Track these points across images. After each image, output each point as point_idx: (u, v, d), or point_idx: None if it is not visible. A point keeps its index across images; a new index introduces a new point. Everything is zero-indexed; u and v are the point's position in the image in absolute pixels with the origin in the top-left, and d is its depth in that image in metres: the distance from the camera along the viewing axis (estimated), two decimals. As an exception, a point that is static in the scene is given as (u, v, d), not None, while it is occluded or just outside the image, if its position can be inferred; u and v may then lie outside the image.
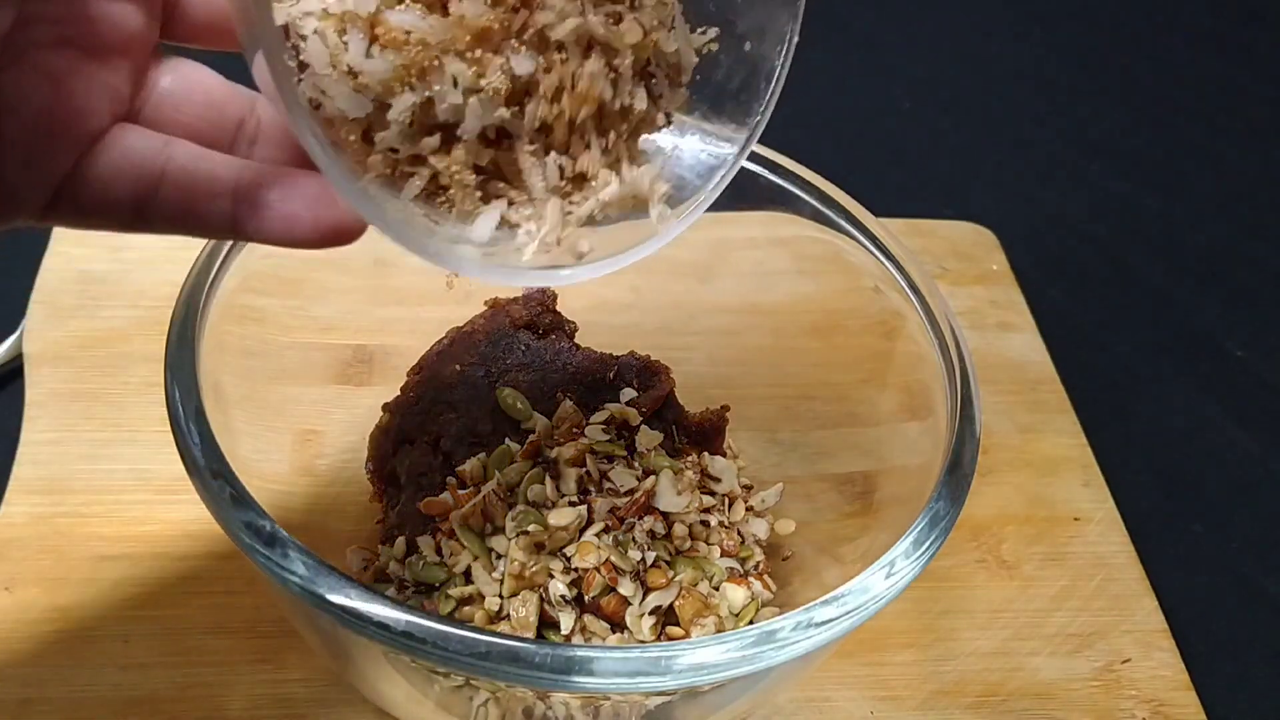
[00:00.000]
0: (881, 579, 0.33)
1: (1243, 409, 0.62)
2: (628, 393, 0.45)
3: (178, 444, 0.33)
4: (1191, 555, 0.55)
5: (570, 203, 0.30)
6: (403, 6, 0.27)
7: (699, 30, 0.31)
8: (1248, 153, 0.82)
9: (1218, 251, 0.73)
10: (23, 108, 0.25)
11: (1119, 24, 0.93)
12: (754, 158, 0.45)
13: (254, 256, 0.39)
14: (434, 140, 0.27)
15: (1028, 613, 0.49)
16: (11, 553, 0.45)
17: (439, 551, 0.41)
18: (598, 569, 0.39)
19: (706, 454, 0.45)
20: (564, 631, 0.39)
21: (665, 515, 0.42)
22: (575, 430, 0.43)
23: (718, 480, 0.44)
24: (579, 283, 0.31)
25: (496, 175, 0.29)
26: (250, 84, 0.27)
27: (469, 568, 0.40)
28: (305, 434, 0.45)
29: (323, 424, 0.46)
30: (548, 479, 0.41)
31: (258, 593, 0.44)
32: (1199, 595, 0.53)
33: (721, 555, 0.43)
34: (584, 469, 0.42)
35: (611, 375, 0.45)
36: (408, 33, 0.26)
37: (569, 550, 0.40)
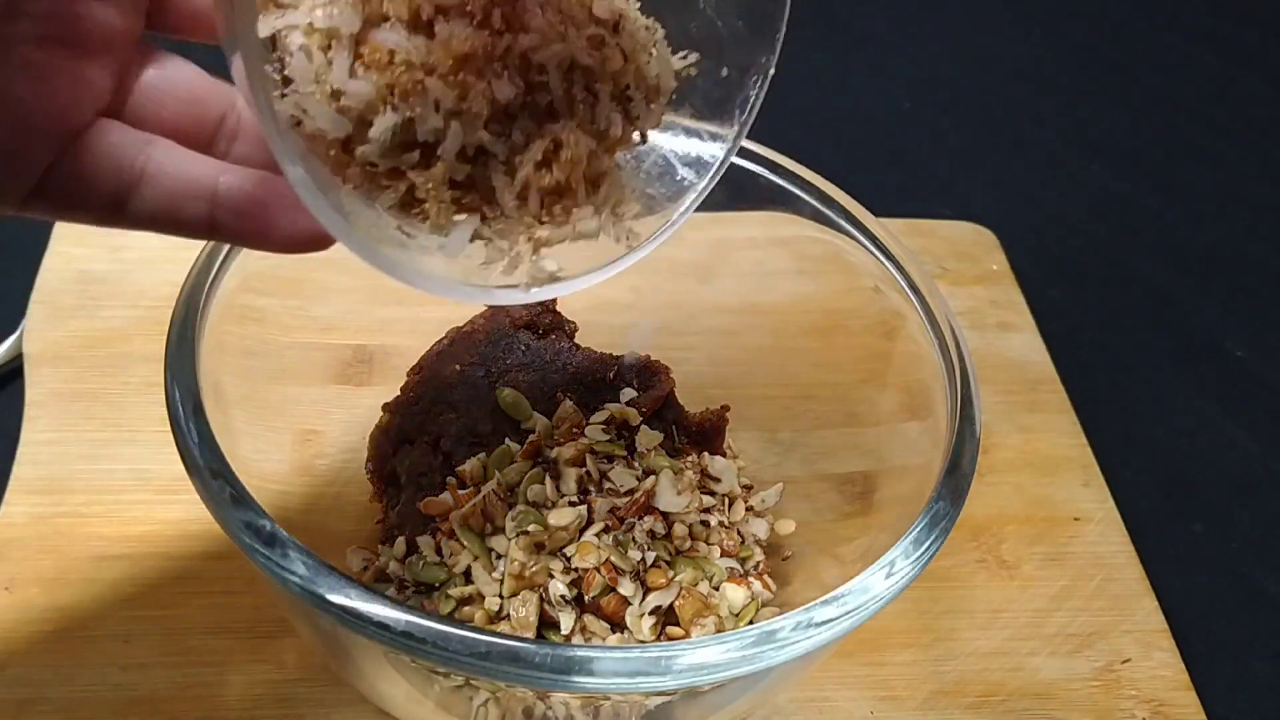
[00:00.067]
0: (881, 579, 0.33)
1: (1243, 409, 0.62)
2: (628, 393, 0.45)
3: (177, 444, 0.33)
4: (1191, 555, 0.55)
5: (542, 221, 0.30)
6: (388, 25, 0.27)
7: (680, 54, 0.32)
8: (1248, 153, 0.82)
9: (1218, 251, 0.73)
10: (4, 103, 0.25)
11: (1119, 24, 0.93)
12: (754, 158, 0.45)
13: (254, 256, 0.39)
14: (414, 156, 0.28)
15: (1028, 613, 0.49)
16: (11, 553, 0.45)
17: (439, 551, 0.41)
18: (598, 569, 0.39)
19: (706, 454, 0.45)
20: (564, 631, 0.39)
21: (665, 515, 0.42)
22: (575, 430, 0.43)
23: (718, 480, 0.44)
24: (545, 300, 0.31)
25: (471, 188, 0.29)
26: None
27: (469, 568, 0.40)
28: (305, 434, 0.45)
29: (323, 424, 0.46)
30: (548, 479, 0.41)
31: (257, 593, 0.44)
32: (1199, 595, 0.53)
33: (721, 555, 0.43)
34: (584, 469, 0.42)
35: (611, 375, 0.45)
36: (392, 53, 0.26)
37: (569, 550, 0.40)
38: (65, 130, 0.26)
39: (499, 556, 0.40)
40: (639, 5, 0.31)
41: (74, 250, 0.56)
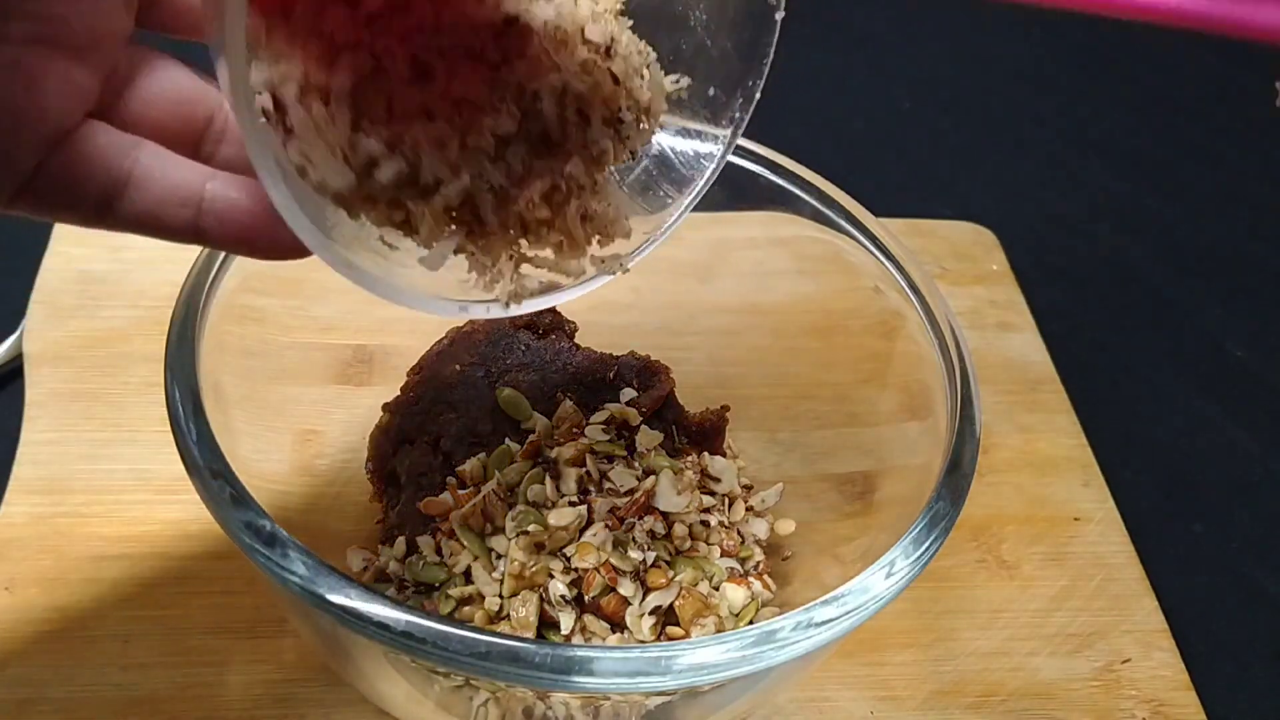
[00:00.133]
0: (881, 579, 0.33)
1: (1243, 409, 0.62)
2: (628, 393, 0.45)
3: (177, 444, 0.33)
4: (1191, 555, 0.55)
5: (526, 239, 0.30)
6: (386, 76, 0.27)
7: (671, 78, 0.32)
8: (1248, 153, 0.82)
9: (1218, 251, 0.73)
10: None
11: (1119, 24, 0.93)
12: (754, 157, 0.45)
13: (254, 256, 0.39)
14: (414, 190, 0.28)
15: (1028, 613, 0.49)
16: (11, 553, 0.45)
17: (439, 551, 0.41)
18: (598, 569, 0.39)
19: (706, 454, 0.45)
20: (564, 631, 0.39)
21: (665, 515, 0.42)
22: (575, 430, 0.43)
23: (718, 480, 0.44)
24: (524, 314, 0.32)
25: (463, 204, 0.29)
26: None
27: (469, 568, 0.40)
28: (305, 434, 0.45)
29: (323, 424, 0.46)
30: (548, 479, 0.41)
31: (257, 593, 0.44)
32: (1199, 595, 0.53)
33: (721, 555, 0.43)
34: (584, 469, 0.42)
35: (611, 375, 0.45)
36: (391, 102, 0.26)
37: (569, 550, 0.40)
38: (53, 131, 0.26)
39: (499, 556, 0.40)
40: (631, 25, 0.31)
41: (74, 250, 0.56)
